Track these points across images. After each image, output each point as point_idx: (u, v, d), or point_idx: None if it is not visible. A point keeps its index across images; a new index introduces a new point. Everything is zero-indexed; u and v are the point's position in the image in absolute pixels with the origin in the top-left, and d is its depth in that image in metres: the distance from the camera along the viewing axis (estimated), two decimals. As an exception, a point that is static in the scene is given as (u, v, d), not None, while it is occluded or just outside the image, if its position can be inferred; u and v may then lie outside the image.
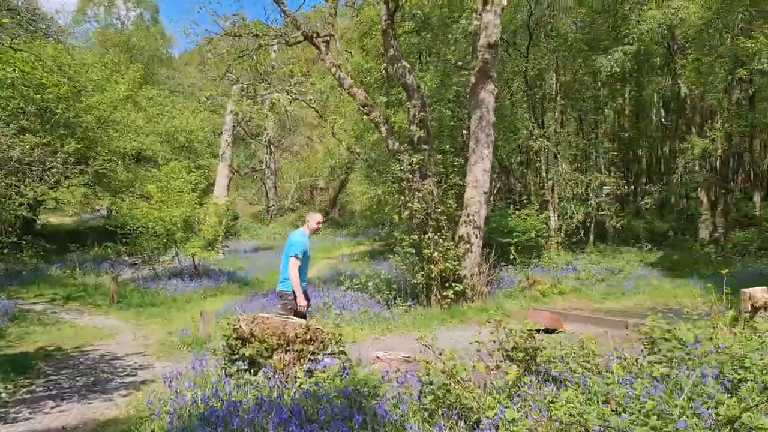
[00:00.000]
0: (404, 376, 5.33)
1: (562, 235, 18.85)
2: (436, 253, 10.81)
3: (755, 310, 6.18)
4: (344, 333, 9.73)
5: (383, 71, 16.34)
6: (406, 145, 11.21)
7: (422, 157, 10.86)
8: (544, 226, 17.54)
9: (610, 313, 11.52)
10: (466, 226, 11.45)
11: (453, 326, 10.24)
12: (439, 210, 10.94)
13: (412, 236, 10.92)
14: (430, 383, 4.55)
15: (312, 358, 5.27)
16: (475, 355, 5.63)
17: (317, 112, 14.74)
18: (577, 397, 4.40)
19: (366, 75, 18.48)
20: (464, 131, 15.24)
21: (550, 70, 20.18)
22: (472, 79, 11.83)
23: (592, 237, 20.63)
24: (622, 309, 12.14)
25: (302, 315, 6.76)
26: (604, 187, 19.96)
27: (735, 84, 17.65)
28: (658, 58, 20.93)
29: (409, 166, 10.80)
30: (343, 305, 11.05)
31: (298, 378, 4.88)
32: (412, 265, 11.27)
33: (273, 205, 39.94)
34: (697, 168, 18.06)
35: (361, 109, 11.66)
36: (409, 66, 11.82)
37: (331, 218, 39.30)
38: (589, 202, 18.95)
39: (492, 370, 5.14)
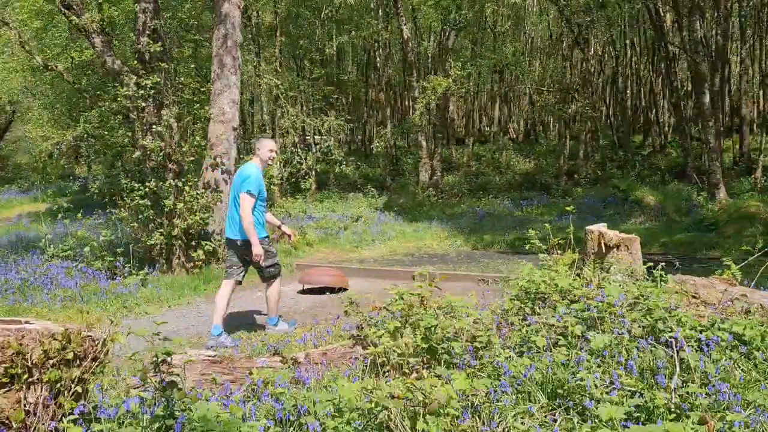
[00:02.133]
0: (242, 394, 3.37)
1: (285, 182, 17.58)
2: (181, 205, 8.48)
3: (607, 249, 5.50)
4: (67, 318, 7.01)
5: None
6: (134, 64, 8.47)
7: (158, 80, 8.30)
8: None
9: (368, 262, 10.57)
10: (214, 171, 9.27)
11: (210, 295, 8.13)
12: (183, 149, 8.58)
13: (147, 184, 8.37)
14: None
15: (82, 390, 2.97)
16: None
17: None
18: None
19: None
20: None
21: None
22: (212, -13, 9.50)
23: (313, 184, 19.78)
24: (380, 256, 11.32)
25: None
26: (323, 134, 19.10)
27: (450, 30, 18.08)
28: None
29: (141, 92, 8.17)
30: (52, 281, 8.09)
31: (65, 436, 2.63)
32: (146, 221, 8.74)
33: None
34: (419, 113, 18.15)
35: (64, 10, 8.48)
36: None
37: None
38: (317, 146, 17.88)
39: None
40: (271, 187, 13.43)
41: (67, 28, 10.38)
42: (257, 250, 5.63)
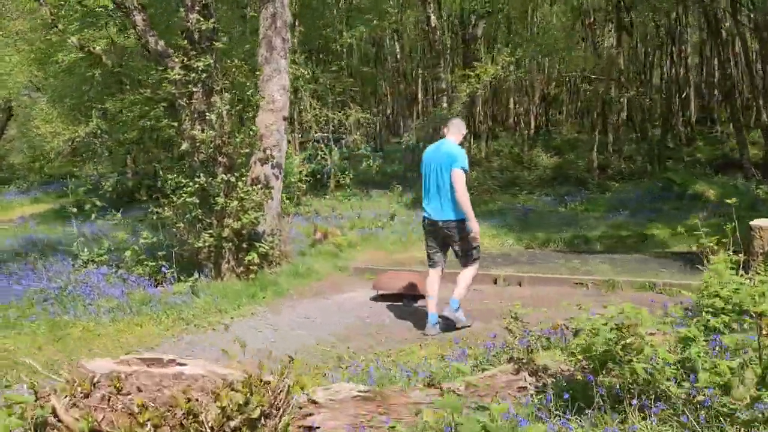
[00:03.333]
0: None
1: (310, 179, 16.68)
2: (234, 203, 7.57)
3: None
4: (119, 333, 6.11)
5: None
6: (182, 44, 7.51)
7: (209, 62, 7.37)
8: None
9: (422, 262, 9.67)
10: (263, 165, 8.37)
11: (272, 303, 7.26)
12: (237, 140, 7.67)
13: (196, 179, 7.45)
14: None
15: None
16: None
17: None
18: None
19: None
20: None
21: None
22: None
23: (333, 181, 18.91)
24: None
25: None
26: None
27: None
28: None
29: (193, 75, 7.24)
30: (92, 289, 7.15)
31: None
32: (194, 221, 7.83)
33: None
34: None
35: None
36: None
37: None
38: (343, 141, 16.98)
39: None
40: (298, 183, 12.56)
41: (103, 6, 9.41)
42: (476, 227, 5.69)
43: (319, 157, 16.43)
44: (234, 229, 7.73)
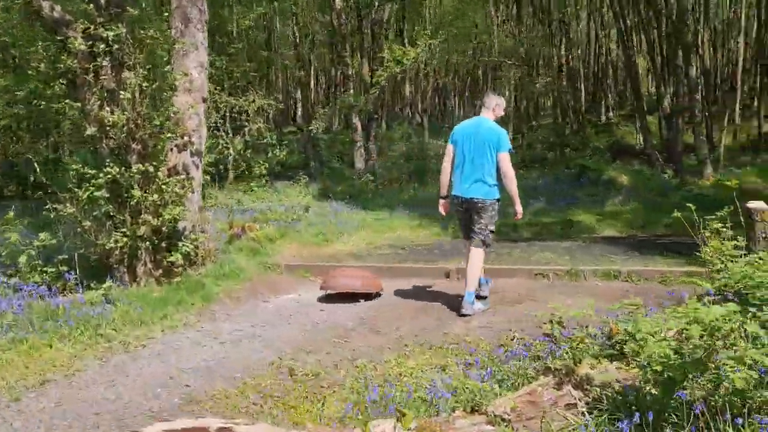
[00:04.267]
0: None
1: (213, 170, 15.49)
2: (154, 196, 6.55)
3: None
4: (24, 356, 4.99)
5: None
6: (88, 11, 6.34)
7: (120, 32, 6.27)
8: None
9: (365, 257, 9.05)
10: (181, 153, 7.39)
11: (203, 310, 6.36)
12: (155, 123, 6.63)
13: (106, 169, 6.34)
14: None
15: None
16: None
17: None
18: None
19: None
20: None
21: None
22: None
23: (232, 172, 17.73)
24: (364, 250, 9.84)
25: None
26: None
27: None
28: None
29: (102, 47, 6.11)
30: (-18, 304, 5.89)
31: None
32: (103, 219, 6.71)
33: None
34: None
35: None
36: None
37: None
38: (246, 130, 15.86)
39: None
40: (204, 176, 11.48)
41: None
42: (520, 209, 5.87)
43: (220, 147, 15.26)
44: (152, 227, 6.70)
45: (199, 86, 7.59)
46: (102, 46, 6.14)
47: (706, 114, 15.29)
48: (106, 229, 6.74)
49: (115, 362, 4.89)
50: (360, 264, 8.17)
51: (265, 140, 15.46)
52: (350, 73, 16.88)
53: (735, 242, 4.46)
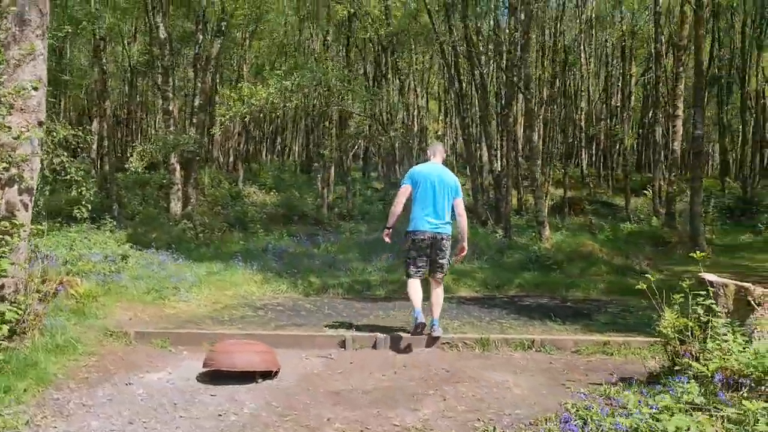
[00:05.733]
0: None
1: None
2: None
3: (747, 308, 4.32)
4: None
5: None
6: None
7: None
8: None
9: (221, 321, 7.78)
10: (7, 189, 5.75)
11: (42, 399, 4.72)
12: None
13: None
14: None
15: None
16: None
17: None
18: None
19: None
20: None
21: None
22: None
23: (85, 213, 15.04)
24: (213, 312, 8.55)
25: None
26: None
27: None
28: None
29: None
30: None
31: None
32: None
33: None
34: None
35: None
36: None
37: None
38: (43, 164, 13.45)
39: None
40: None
41: None
42: (466, 244, 6.52)
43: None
44: (-36, 286, 4.98)
45: (36, 106, 6.02)
46: None
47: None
48: None
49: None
50: (225, 330, 6.94)
51: (69, 177, 13.27)
52: (170, 108, 15.29)
53: (697, 317, 4.28)
